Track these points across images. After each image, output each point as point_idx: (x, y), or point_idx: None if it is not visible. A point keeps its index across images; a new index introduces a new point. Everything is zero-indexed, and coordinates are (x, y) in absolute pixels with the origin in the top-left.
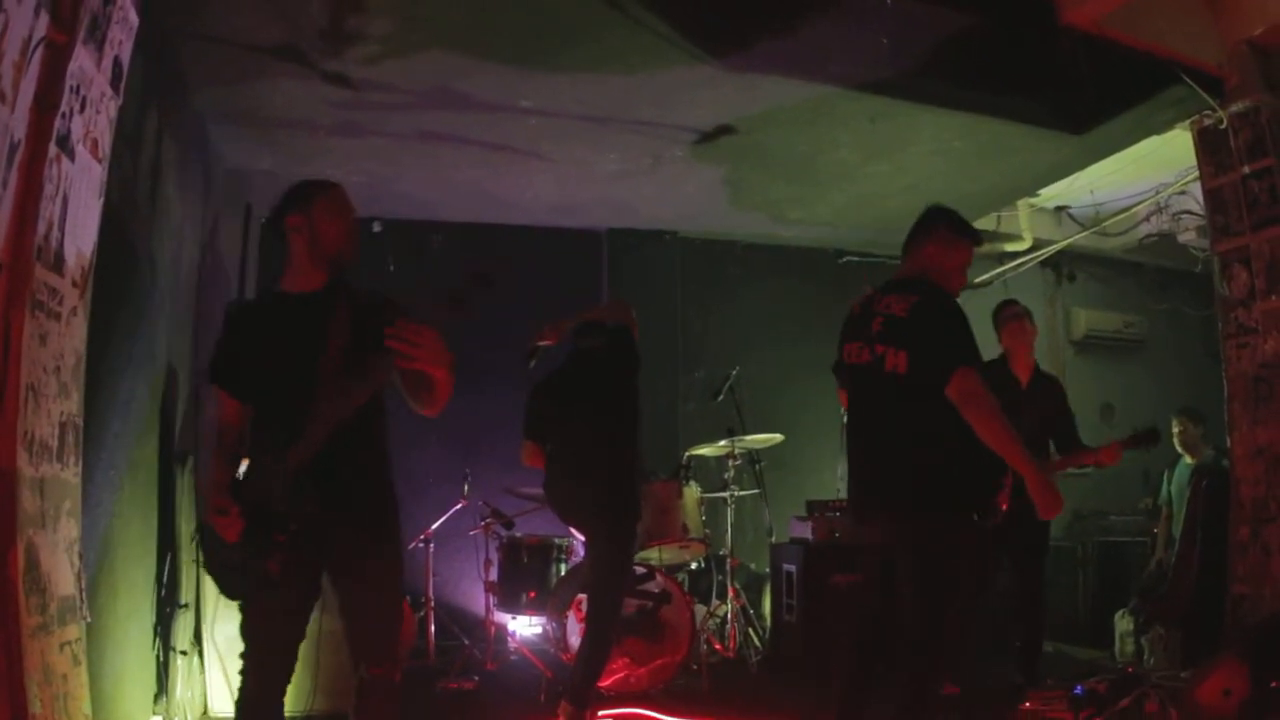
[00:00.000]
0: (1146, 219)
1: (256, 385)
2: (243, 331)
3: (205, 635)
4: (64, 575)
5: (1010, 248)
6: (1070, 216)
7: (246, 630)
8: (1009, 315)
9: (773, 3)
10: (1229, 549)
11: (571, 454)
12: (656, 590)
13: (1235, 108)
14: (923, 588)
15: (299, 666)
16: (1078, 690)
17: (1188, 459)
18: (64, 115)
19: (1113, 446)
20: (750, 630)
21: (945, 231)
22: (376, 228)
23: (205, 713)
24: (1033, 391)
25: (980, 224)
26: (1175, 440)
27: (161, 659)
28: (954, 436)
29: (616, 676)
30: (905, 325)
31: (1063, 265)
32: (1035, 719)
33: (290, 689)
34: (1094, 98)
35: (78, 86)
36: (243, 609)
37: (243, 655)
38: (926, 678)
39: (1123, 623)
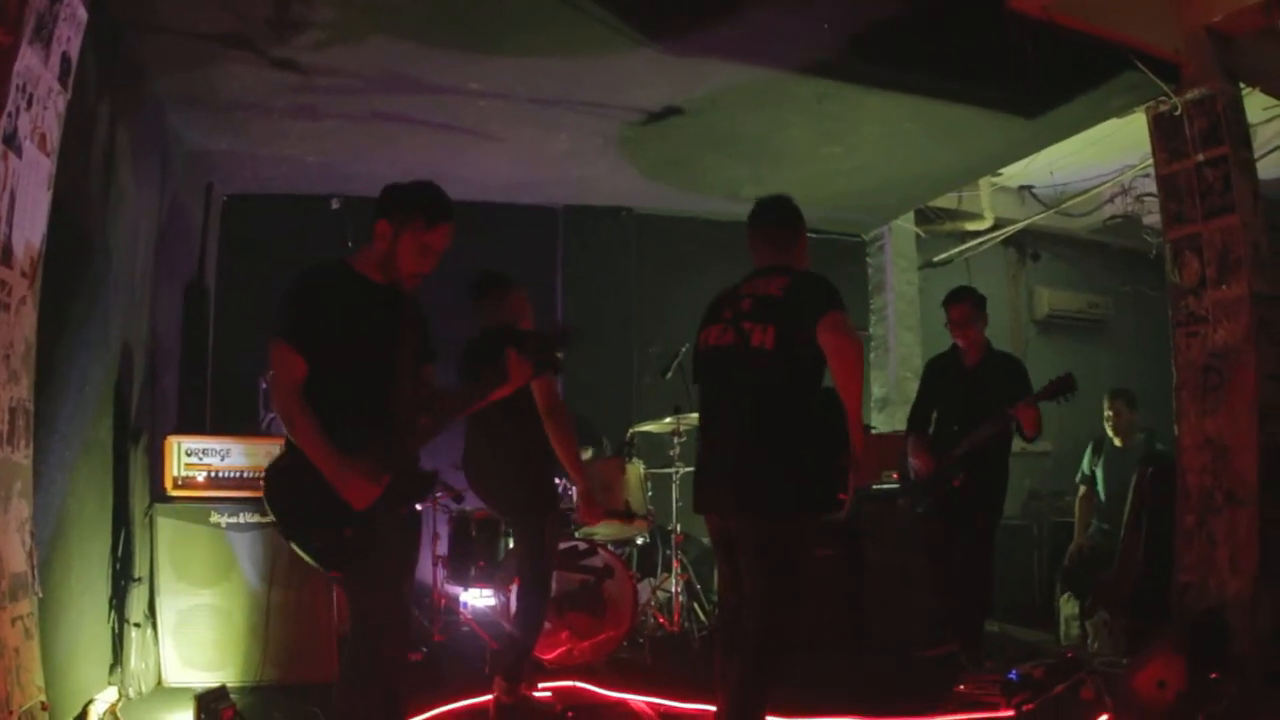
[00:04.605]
0: (1110, 200)
1: (337, 357)
2: (323, 298)
3: (158, 608)
4: (15, 553)
5: (971, 226)
6: (1034, 196)
7: (369, 592)
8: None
9: None
10: (1175, 537)
11: (481, 427)
12: (599, 565)
13: (1191, 95)
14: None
15: (249, 638)
16: (1012, 675)
17: (1117, 442)
18: (10, 115)
19: (1026, 407)
20: (696, 605)
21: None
22: (335, 204)
23: (159, 683)
24: (981, 371)
25: (940, 203)
26: (1107, 423)
27: (116, 631)
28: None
29: (559, 650)
30: (779, 302)
31: (1026, 244)
32: (968, 703)
33: (239, 660)
34: (1044, 83)
35: (24, 85)
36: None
37: (365, 616)
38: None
39: (1068, 606)
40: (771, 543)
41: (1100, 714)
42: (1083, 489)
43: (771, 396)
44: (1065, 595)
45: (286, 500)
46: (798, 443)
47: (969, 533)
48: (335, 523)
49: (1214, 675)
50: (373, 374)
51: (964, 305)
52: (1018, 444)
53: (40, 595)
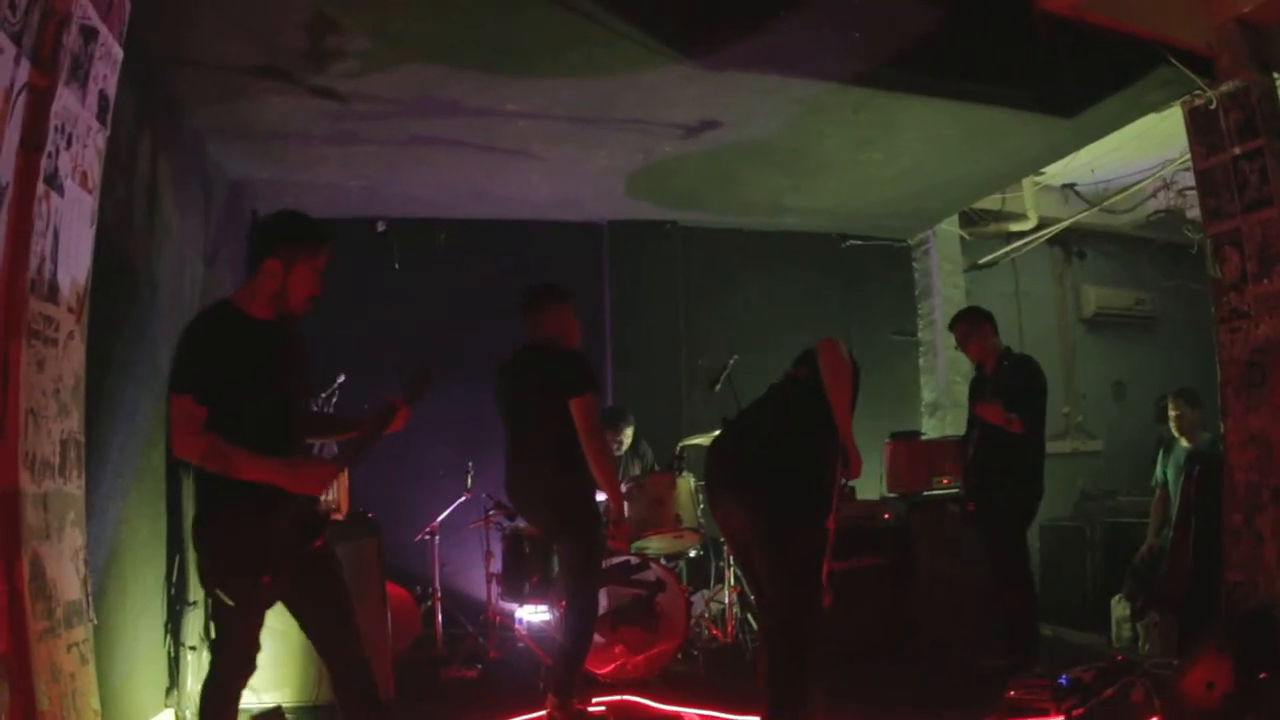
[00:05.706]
0: (1153, 195)
1: (234, 399)
2: (217, 347)
3: (214, 631)
4: (69, 581)
5: (1015, 227)
6: (1077, 194)
7: (236, 630)
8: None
9: (741, 4)
10: (1223, 536)
11: (520, 446)
12: (652, 579)
13: (1225, 88)
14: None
15: (305, 659)
16: (1062, 680)
17: (1184, 442)
18: (50, 154)
19: (984, 406)
20: (749, 616)
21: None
22: (381, 227)
23: None
24: (995, 379)
25: (984, 204)
26: (1171, 423)
27: (172, 655)
28: None
29: (613, 664)
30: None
31: (1072, 243)
32: (1018, 708)
33: (295, 680)
34: (1077, 82)
35: (63, 125)
36: (236, 613)
37: (224, 648)
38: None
39: (1119, 608)
40: (781, 541)
41: (1150, 717)
42: (1158, 492)
43: (797, 405)
44: (1117, 597)
45: (213, 551)
46: (804, 449)
47: (991, 536)
48: (255, 570)
49: (1263, 675)
50: (269, 410)
51: (958, 327)
52: (1069, 444)
53: (95, 622)
